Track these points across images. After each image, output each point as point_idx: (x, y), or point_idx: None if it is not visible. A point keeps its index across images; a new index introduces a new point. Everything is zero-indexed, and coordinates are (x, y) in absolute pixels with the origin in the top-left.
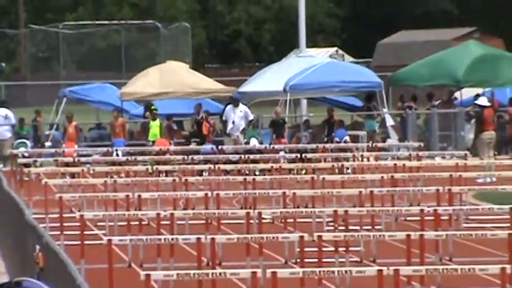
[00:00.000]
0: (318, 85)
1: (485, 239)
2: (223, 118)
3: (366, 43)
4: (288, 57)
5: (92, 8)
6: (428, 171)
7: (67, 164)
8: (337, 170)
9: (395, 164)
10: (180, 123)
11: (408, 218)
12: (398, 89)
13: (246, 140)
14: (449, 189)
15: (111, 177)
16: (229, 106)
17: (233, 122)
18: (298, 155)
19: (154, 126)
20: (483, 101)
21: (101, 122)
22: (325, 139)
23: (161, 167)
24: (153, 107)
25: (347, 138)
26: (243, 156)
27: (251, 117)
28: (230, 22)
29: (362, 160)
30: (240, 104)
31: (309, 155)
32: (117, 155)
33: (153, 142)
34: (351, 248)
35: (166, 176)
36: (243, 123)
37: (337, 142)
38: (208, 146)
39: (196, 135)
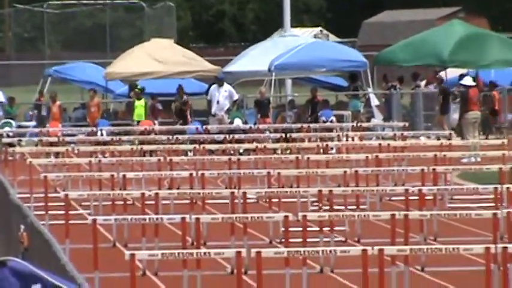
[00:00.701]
0: (303, 65)
1: (470, 219)
2: (208, 98)
3: (351, 23)
4: (273, 37)
5: None
6: (413, 151)
7: (51, 144)
8: (322, 150)
9: (380, 144)
10: (169, 103)
11: (393, 198)
12: (383, 68)
13: (230, 120)
14: (434, 169)
15: (96, 156)
16: (214, 86)
17: (218, 102)
18: (283, 135)
19: (139, 106)
20: (468, 80)
21: (85, 101)
22: (309, 119)
23: (146, 147)
24: (138, 87)
25: (333, 118)
26: (227, 136)
27: (236, 97)
28: (214, 2)
29: (347, 140)
30: (225, 84)
31: (294, 135)
32: (102, 134)
33: (138, 122)
34: (335, 228)
35: (151, 155)
36: (227, 102)
37: (324, 122)
38: (193, 126)
39: (180, 118)
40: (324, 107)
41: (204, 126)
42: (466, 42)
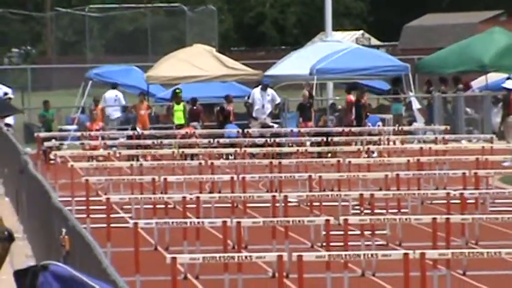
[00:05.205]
0: (344, 69)
1: None
2: (250, 101)
3: (392, 26)
4: (314, 41)
5: None
6: (455, 155)
7: (93, 147)
8: (365, 154)
9: (421, 147)
10: (210, 106)
11: (434, 202)
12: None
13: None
14: (476, 173)
15: (137, 160)
16: (257, 89)
17: (263, 106)
18: (325, 139)
19: (178, 110)
20: (510, 84)
21: (127, 105)
22: (354, 122)
23: (187, 151)
24: (177, 90)
25: (380, 123)
26: (269, 139)
27: (278, 100)
28: (255, 4)
29: (388, 143)
30: (268, 88)
31: (335, 138)
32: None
33: (178, 126)
34: (376, 232)
35: (192, 159)
36: (270, 106)
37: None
38: (234, 130)
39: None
40: (368, 111)
41: (246, 130)
42: (507, 48)
